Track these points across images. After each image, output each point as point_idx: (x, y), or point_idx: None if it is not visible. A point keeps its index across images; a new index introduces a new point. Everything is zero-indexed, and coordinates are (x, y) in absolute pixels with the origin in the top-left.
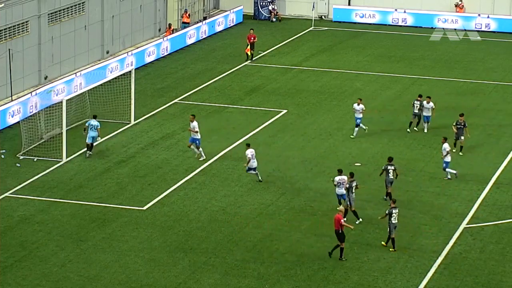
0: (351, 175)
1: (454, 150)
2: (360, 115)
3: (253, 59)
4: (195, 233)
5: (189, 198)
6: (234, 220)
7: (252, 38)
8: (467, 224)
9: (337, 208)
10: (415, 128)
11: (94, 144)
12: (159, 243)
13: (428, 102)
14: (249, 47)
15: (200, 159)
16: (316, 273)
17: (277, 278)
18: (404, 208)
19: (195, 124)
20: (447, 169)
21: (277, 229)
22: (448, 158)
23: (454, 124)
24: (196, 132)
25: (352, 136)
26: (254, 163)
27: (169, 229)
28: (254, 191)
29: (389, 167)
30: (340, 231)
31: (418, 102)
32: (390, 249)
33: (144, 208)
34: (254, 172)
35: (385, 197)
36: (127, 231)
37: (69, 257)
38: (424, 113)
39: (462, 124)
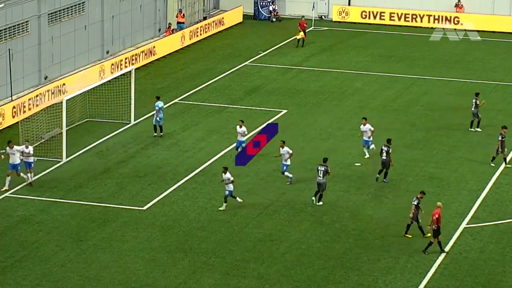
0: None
1: (493, 165)
2: (243, 138)
3: (303, 45)
4: (195, 233)
5: (189, 198)
6: (234, 220)
7: (305, 25)
8: (467, 224)
9: (437, 204)
10: (477, 129)
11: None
12: (159, 243)
13: (364, 124)
14: (301, 33)
15: (29, 181)
16: (316, 273)
17: (277, 278)
18: (404, 208)
19: (31, 148)
20: (285, 173)
21: (277, 229)
22: (288, 162)
23: (499, 138)
24: (31, 155)
25: None
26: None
27: (169, 229)
28: (254, 191)
29: (383, 148)
30: (435, 227)
31: (474, 101)
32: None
33: (144, 208)
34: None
35: (378, 175)
36: (127, 231)
37: (69, 257)
38: (364, 137)
39: (505, 136)
